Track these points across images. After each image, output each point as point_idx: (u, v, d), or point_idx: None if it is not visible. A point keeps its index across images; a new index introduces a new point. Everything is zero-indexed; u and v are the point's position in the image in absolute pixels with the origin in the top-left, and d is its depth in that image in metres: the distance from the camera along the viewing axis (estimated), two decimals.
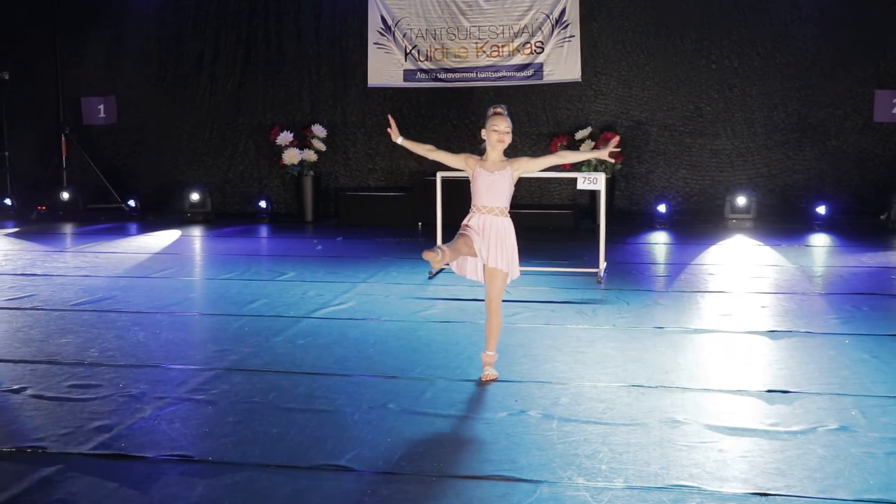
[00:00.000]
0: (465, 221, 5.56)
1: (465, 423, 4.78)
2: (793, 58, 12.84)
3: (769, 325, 6.85)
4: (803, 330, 6.70)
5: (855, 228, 11.86)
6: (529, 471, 4.12)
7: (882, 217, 12.23)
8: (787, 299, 7.80)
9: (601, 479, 4.04)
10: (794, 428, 4.63)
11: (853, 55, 12.65)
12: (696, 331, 6.71)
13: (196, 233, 12.30)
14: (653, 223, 12.43)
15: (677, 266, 9.52)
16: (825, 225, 12.00)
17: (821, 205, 12.15)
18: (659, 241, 11.32)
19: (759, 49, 12.91)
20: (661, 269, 9.47)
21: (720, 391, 5.26)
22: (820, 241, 11.15)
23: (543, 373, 5.66)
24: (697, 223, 12.56)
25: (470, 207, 5.58)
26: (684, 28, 13.07)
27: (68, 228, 12.90)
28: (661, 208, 12.50)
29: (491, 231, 5.48)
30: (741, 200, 12.29)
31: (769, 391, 5.24)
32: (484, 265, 5.51)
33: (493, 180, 5.55)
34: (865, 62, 12.67)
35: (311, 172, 13.61)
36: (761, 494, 3.86)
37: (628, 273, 9.10)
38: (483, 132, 5.73)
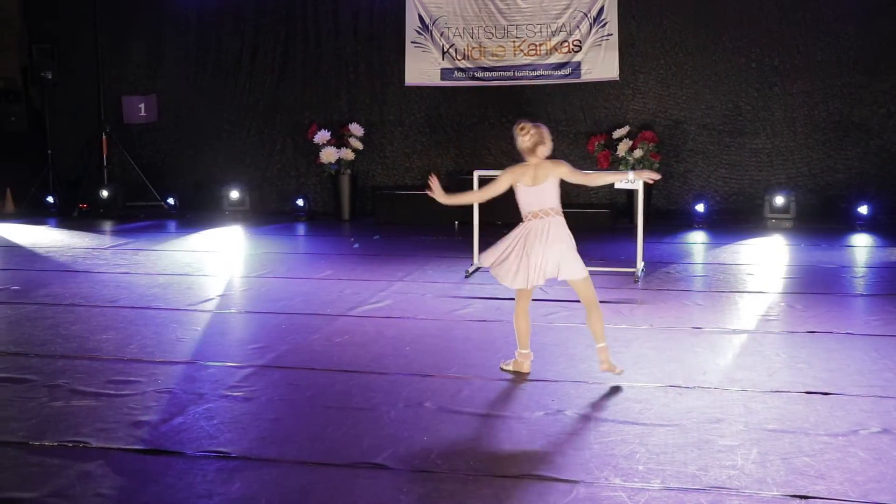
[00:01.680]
0: (519, 233, 5.51)
1: (501, 421, 4.77)
2: (834, 55, 12.67)
3: (809, 325, 6.77)
4: (844, 331, 6.61)
5: None
6: (566, 470, 4.11)
7: None
8: (828, 300, 7.71)
9: (638, 479, 4.01)
10: (835, 430, 4.57)
11: (895, 53, 12.45)
12: (734, 331, 6.65)
13: (234, 230, 12.39)
14: (691, 223, 12.33)
15: (715, 266, 9.43)
16: (867, 225, 11.83)
17: (863, 205, 11.97)
18: (697, 241, 11.23)
19: (800, 46, 12.75)
20: (698, 269, 9.39)
21: (759, 392, 5.21)
22: (862, 241, 11.00)
23: (580, 372, 5.64)
24: (736, 223, 12.44)
25: (522, 216, 5.53)
26: (723, 26, 12.95)
27: (108, 226, 13.06)
28: (700, 208, 12.40)
29: (553, 237, 5.44)
30: (780, 200, 12.16)
31: (809, 392, 5.18)
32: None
33: (542, 188, 5.50)
34: None
35: (349, 171, 13.66)
36: (801, 497, 3.81)
37: (667, 272, 9.03)
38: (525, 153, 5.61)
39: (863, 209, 11.93)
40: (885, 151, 12.72)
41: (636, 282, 8.48)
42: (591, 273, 8.77)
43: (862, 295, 8.06)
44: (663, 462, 4.20)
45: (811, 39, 12.72)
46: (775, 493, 3.86)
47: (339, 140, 13.63)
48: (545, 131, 5.54)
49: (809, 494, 3.84)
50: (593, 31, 13.25)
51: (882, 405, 4.95)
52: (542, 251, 5.41)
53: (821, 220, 12.33)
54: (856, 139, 12.77)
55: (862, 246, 10.67)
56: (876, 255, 10.12)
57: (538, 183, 5.50)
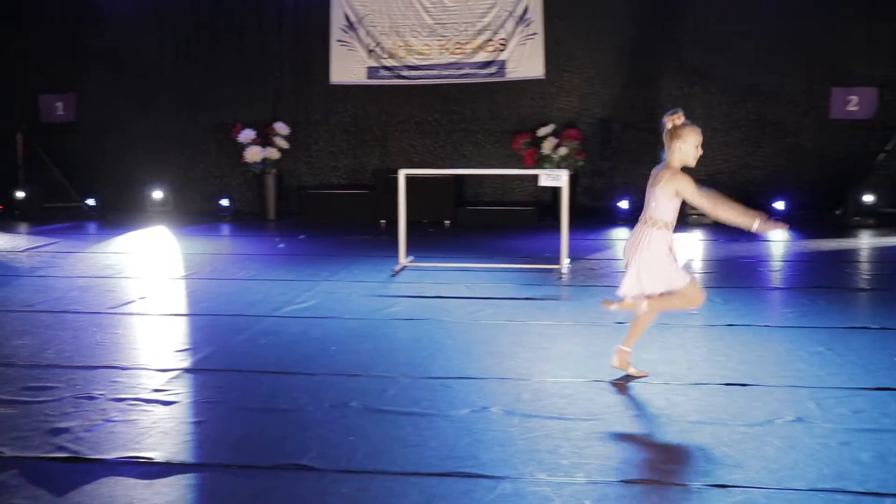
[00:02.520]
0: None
1: (427, 420, 4.78)
2: (752, 55, 12.96)
3: (728, 319, 6.92)
4: (761, 324, 6.78)
5: (812, 223, 12.00)
6: (491, 467, 4.14)
7: (838, 212, 12.39)
8: (745, 293, 7.89)
9: (562, 473, 4.06)
10: (752, 420, 4.69)
11: (810, 54, 12.80)
12: (656, 325, 6.75)
13: (157, 231, 12.19)
14: (615, 219, 12.50)
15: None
16: (783, 219, 12.06)
17: (779, 200, 12.27)
18: (621, 237, 11.38)
19: (720, 46, 13.02)
20: (622, 265, 9.50)
21: (680, 385, 5.31)
22: (778, 235, 11.28)
23: (506, 369, 5.68)
24: None
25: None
26: (646, 26, 13.15)
27: (25, 228, 12.74)
28: (623, 204, 12.58)
29: (639, 248, 5.35)
30: None
31: (727, 384, 5.30)
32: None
33: (653, 191, 5.35)
34: (822, 61, 12.83)
35: (274, 170, 13.55)
36: (720, 486, 3.90)
37: (591, 269, 9.15)
38: (674, 141, 5.30)
39: (779, 204, 12.24)
40: (799, 149, 13.07)
41: (561, 278, 8.57)
42: (517, 270, 8.91)
43: (778, 288, 8.28)
44: (587, 456, 4.26)
45: (730, 40, 12.98)
46: (696, 484, 3.94)
47: (264, 139, 13.50)
48: (686, 130, 5.25)
49: (728, 483, 3.92)
50: (518, 30, 13.35)
51: (796, 395, 5.08)
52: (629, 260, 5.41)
53: None
54: (772, 137, 13.10)
55: (778, 240, 10.94)
56: (791, 249, 10.38)
57: (652, 185, 5.33)
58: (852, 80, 12.86)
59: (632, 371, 5.44)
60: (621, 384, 5.32)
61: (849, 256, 9.93)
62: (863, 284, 8.55)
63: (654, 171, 5.35)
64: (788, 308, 7.37)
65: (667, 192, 5.19)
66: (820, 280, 8.47)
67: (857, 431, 4.51)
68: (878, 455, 4.21)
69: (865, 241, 10.86)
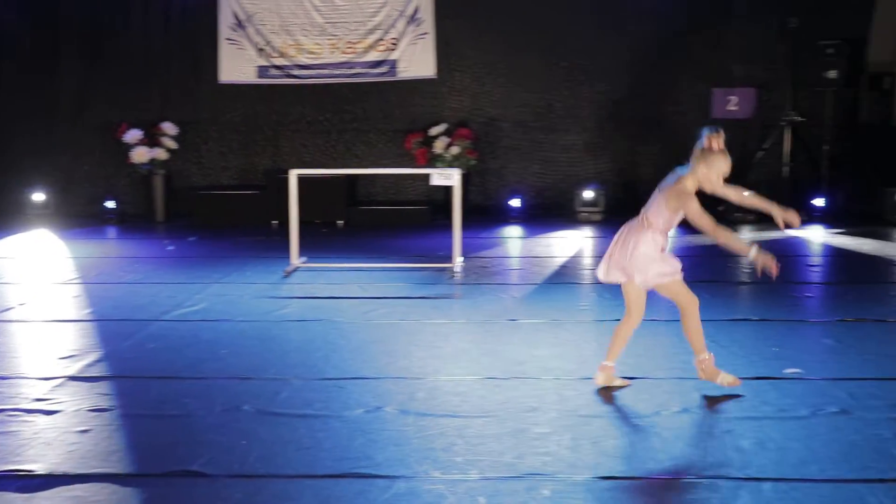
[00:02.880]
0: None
1: (321, 421, 4.75)
2: (636, 55, 13.29)
3: (617, 314, 6.98)
4: (649, 318, 6.93)
5: None
6: (386, 467, 4.14)
7: (720, 208, 12.77)
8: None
9: (457, 471, 4.09)
10: (641, 412, 4.81)
11: (692, 54, 13.19)
12: (548, 322, 6.87)
13: (38, 235, 11.77)
14: (506, 217, 12.64)
15: (530, 259, 9.72)
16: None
17: None
18: (512, 235, 11.53)
19: (606, 47, 13.30)
20: (514, 263, 9.65)
21: (571, 380, 5.41)
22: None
23: (400, 368, 5.69)
24: (549, 217, 12.85)
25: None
26: (536, 26, 13.33)
27: None
28: (515, 203, 12.73)
29: (623, 240, 5.29)
30: (590, 194, 12.62)
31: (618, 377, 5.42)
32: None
33: (659, 197, 5.24)
34: (703, 61, 13.23)
35: (162, 171, 13.23)
36: (609, 478, 3.99)
37: (483, 267, 9.23)
38: (700, 163, 5.12)
39: None
40: (684, 147, 13.40)
41: (454, 277, 8.62)
42: (411, 269, 8.93)
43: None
44: (481, 452, 4.30)
45: (616, 40, 13.28)
46: (586, 476, 4.03)
47: (152, 139, 13.17)
48: (716, 158, 5.08)
49: (617, 475, 4.02)
50: (409, 29, 13.37)
51: (682, 386, 5.24)
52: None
53: (628, 213, 12.76)
54: (658, 136, 13.45)
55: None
56: (678, 245, 10.67)
57: (660, 191, 5.26)
58: (732, 81, 13.31)
59: (617, 382, 5.29)
60: (514, 380, 5.39)
61: (730, 251, 10.24)
62: (744, 278, 8.86)
63: (669, 176, 5.21)
64: (674, 302, 7.56)
65: (670, 206, 5.13)
66: (705, 274, 8.74)
67: (738, 420, 4.68)
68: (757, 441, 4.38)
69: (746, 236, 11.25)
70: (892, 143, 13.51)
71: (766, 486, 3.90)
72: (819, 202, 12.20)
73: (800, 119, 12.74)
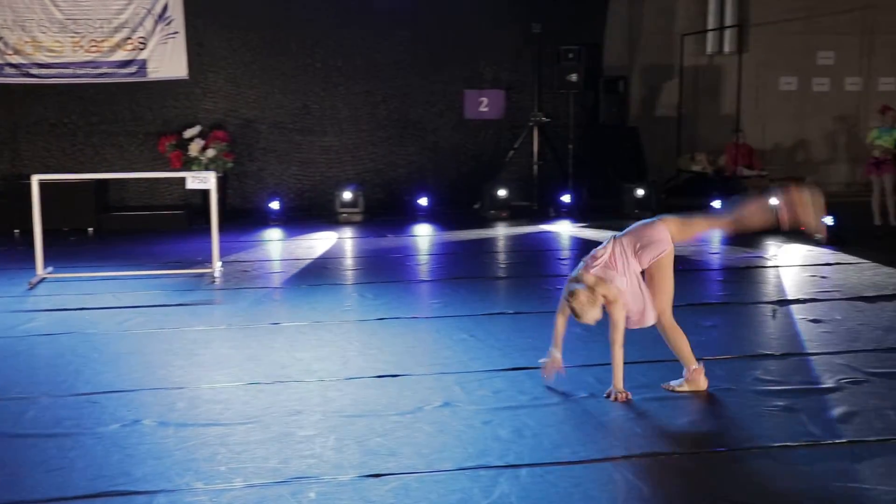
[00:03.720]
0: None
1: (73, 440, 4.51)
2: (391, 58, 13.51)
3: (379, 313, 7.17)
4: (410, 316, 7.10)
5: (453, 218, 12.74)
6: (145, 482, 3.99)
7: (475, 206, 13.26)
8: (395, 287, 8.22)
9: (220, 480, 4.01)
10: (404, 409, 4.90)
11: (444, 57, 13.58)
12: (310, 324, 6.86)
13: None
14: (266, 220, 12.48)
15: (291, 261, 9.66)
16: (427, 216, 12.75)
17: (422, 196, 12.89)
18: (273, 238, 11.41)
19: (361, 49, 13.43)
20: (275, 266, 9.55)
21: (335, 381, 5.43)
22: (423, 230, 11.86)
23: (158, 379, 5.50)
24: (310, 218, 12.82)
25: None
26: (289, 27, 13.25)
27: None
28: (275, 205, 12.59)
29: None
30: (349, 195, 12.68)
31: (380, 376, 5.50)
32: None
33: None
34: (455, 64, 13.66)
35: None
36: (375, 476, 4.04)
37: (244, 271, 9.08)
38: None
39: (423, 201, 12.85)
40: (439, 147, 13.83)
41: (213, 282, 8.43)
42: (167, 276, 8.63)
43: (424, 280, 8.70)
44: (245, 460, 4.24)
45: (371, 42, 13.44)
46: (352, 476, 4.06)
47: None
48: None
49: (382, 472, 4.08)
50: (158, 28, 12.90)
51: (443, 381, 5.39)
52: None
53: (387, 213, 13.10)
54: (414, 136, 13.74)
55: (423, 235, 11.51)
56: (435, 243, 10.96)
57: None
58: (482, 83, 13.82)
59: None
60: (277, 385, 5.35)
61: (487, 247, 10.66)
62: (500, 273, 9.22)
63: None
64: (434, 299, 7.77)
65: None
66: (462, 271, 9.03)
67: (497, 410, 4.87)
68: (514, 430, 4.58)
69: (501, 232, 11.72)
70: (629, 142, 14.52)
71: (524, 471, 4.08)
72: (566, 198, 12.89)
73: (546, 120, 13.41)
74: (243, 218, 12.76)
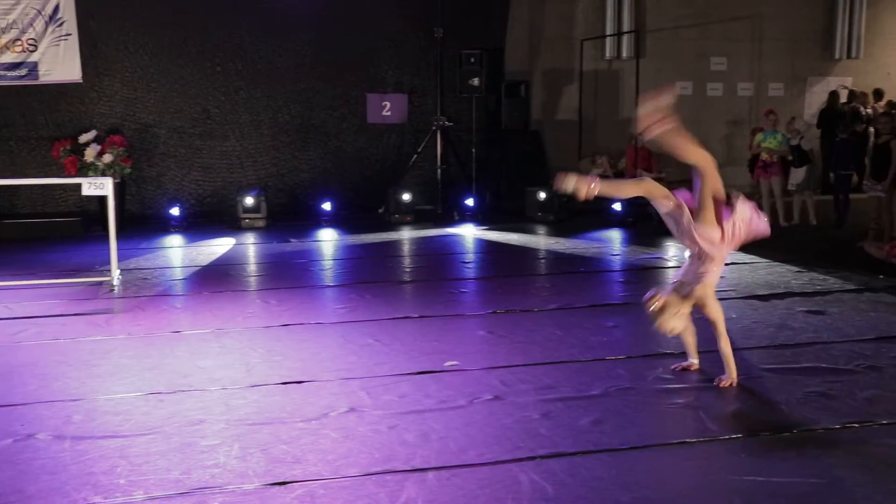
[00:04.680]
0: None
1: None
2: (292, 62, 13.40)
3: (283, 319, 7.10)
4: (314, 321, 7.04)
5: (357, 222, 12.69)
6: (39, 498, 3.87)
7: (380, 211, 13.24)
8: (299, 293, 8.15)
9: (120, 494, 3.91)
10: (309, 415, 4.86)
11: (346, 61, 13.53)
12: (213, 331, 6.74)
13: None
14: (167, 226, 12.22)
15: (192, 268, 9.49)
16: (331, 220, 12.68)
17: (326, 201, 12.79)
18: (174, 245, 11.18)
19: (261, 53, 13.28)
20: (177, 273, 9.36)
21: (239, 388, 5.35)
22: (327, 235, 11.79)
23: (53, 391, 5.33)
24: (212, 224, 12.62)
25: None
26: (187, 30, 13.02)
27: None
28: (175, 211, 12.34)
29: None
30: (251, 200, 12.51)
31: (285, 383, 5.44)
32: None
33: None
34: (357, 67, 13.62)
35: None
36: (280, 484, 4.00)
37: (144, 279, 8.87)
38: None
39: (326, 205, 12.76)
40: (342, 152, 13.77)
41: (112, 290, 8.21)
42: (63, 285, 8.38)
43: (329, 286, 8.65)
44: (146, 472, 4.14)
45: (271, 46, 13.30)
46: (256, 484, 4.00)
47: None
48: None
49: (287, 480, 4.04)
50: (50, 30, 12.53)
51: (348, 386, 5.36)
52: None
53: (290, 218, 12.97)
54: (317, 141, 13.66)
55: (328, 240, 11.43)
56: (340, 248, 10.90)
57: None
58: (385, 87, 13.82)
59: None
60: (179, 394, 5.24)
61: (391, 251, 10.66)
62: (405, 277, 9.22)
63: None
64: (340, 304, 7.72)
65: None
66: (367, 275, 9.00)
67: (402, 414, 4.87)
68: (421, 434, 4.58)
69: (405, 236, 11.73)
70: (531, 145, 14.70)
71: (430, 475, 4.09)
72: (469, 202, 12.97)
73: (449, 124, 13.48)
74: (142, 224, 12.49)
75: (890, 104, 14.99)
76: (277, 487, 3.97)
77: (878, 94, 15.62)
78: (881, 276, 8.56)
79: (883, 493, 3.87)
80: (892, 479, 4.02)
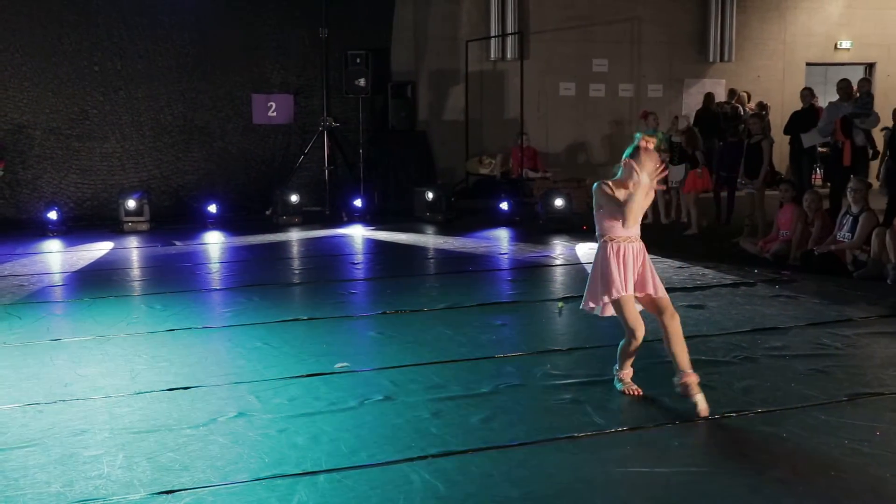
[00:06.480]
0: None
1: None
2: (174, 61, 13.13)
3: (168, 324, 6.95)
4: (201, 326, 6.92)
5: (244, 224, 12.52)
6: None
7: (267, 212, 13.09)
8: (185, 297, 7.98)
9: None
10: (196, 422, 4.77)
11: (230, 60, 13.33)
12: (95, 338, 6.55)
13: None
14: (44, 231, 11.80)
15: (72, 274, 9.19)
16: (217, 223, 12.47)
17: (212, 203, 12.57)
18: (52, 250, 10.81)
19: (142, 52, 12.97)
20: (55, 279, 9.06)
21: (123, 396, 5.22)
22: (213, 237, 11.59)
23: None
24: (93, 228, 12.26)
25: None
26: (62, 28, 12.61)
27: None
28: (53, 215, 11.91)
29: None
30: (133, 203, 12.20)
31: (171, 389, 5.33)
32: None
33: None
34: (241, 67, 13.44)
35: None
36: (167, 492, 3.91)
37: (20, 286, 8.55)
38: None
39: (212, 208, 12.54)
40: (226, 153, 13.56)
41: None
42: None
43: (216, 289, 8.51)
44: (24, 486, 4.00)
45: (152, 45, 13.00)
46: (142, 494, 3.91)
47: None
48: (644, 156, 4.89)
49: (175, 488, 3.95)
50: None
51: (237, 391, 5.28)
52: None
53: (175, 221, 12.71)
54: (201, 142, 13.41)
55: (214, 242, 11.24)
56: (226, 250, 10.73)
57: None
58: (270, 87, 13.67)
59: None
60: (60, 403, 5.07)
61: (279, 253, 10.55)
62: (294, 279, 9.14)
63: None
64: (227, 308, 7.61)
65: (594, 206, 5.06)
66: (254, 278, 8.88)
67: (293, 418, 4.83)
68: (311, 437, 4.55)
69: (293, 238, 11.62)
70: (418, 146, 14.77)
71: (321, 477, 4.07)
72: (357, 202, 12.94)
73: (336, 124, 13.43)
74: (18, 229, 12.03)
75: (759, 105, 15.62)
76: (165, 496, 3.88)
77: (747, 96, 16.25)
78: (755, 271, 8.91)
79: (762, 478, 4.03)
80: (770, 464, 4.19)
